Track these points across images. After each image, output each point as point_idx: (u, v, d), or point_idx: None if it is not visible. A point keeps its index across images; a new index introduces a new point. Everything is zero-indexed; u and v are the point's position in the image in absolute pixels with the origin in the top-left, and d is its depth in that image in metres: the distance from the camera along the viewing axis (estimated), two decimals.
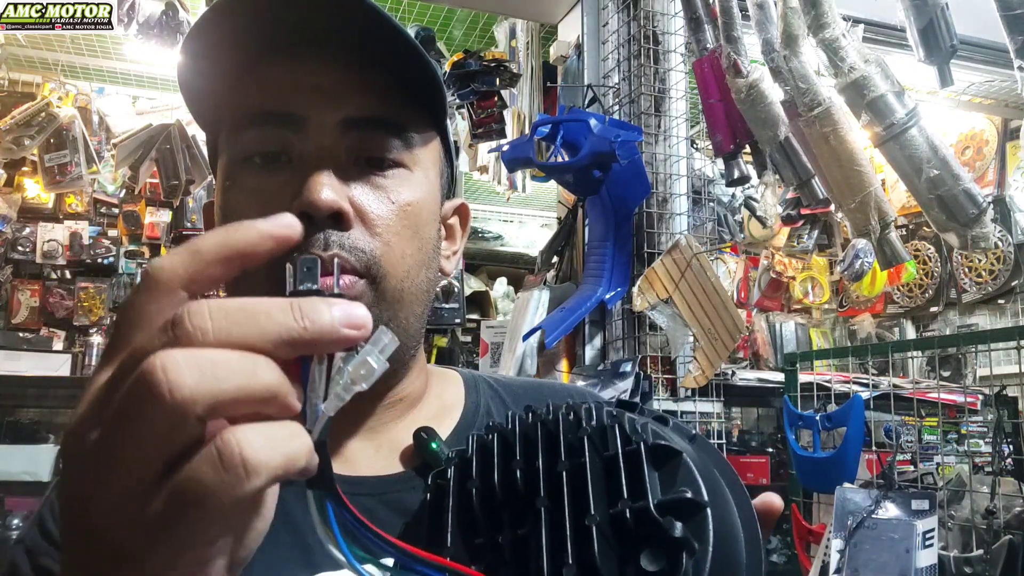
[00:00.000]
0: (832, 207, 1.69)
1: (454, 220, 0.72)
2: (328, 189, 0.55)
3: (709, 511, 0.38)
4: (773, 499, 0.46)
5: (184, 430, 0.30)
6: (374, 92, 0.59)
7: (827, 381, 1.75)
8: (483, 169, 3.42)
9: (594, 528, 0.38)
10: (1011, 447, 1.57)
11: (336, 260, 0.55)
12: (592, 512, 0.39)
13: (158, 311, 0.32)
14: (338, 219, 0.55)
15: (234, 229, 0.34)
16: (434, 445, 0.61)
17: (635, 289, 1.73)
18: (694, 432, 0.46)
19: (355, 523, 0.36)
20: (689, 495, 0.38)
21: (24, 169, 3.83)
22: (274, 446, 0.30)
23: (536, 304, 1.94)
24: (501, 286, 4.25)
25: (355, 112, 0.58)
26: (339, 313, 0.33)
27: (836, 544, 1.38)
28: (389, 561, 0.38)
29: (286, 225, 0.35)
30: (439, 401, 0.69)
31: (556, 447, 0.43)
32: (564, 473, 0.41)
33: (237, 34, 0.57)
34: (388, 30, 0.56)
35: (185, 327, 0.31)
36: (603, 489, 0.40)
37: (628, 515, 0.38)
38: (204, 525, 0.31)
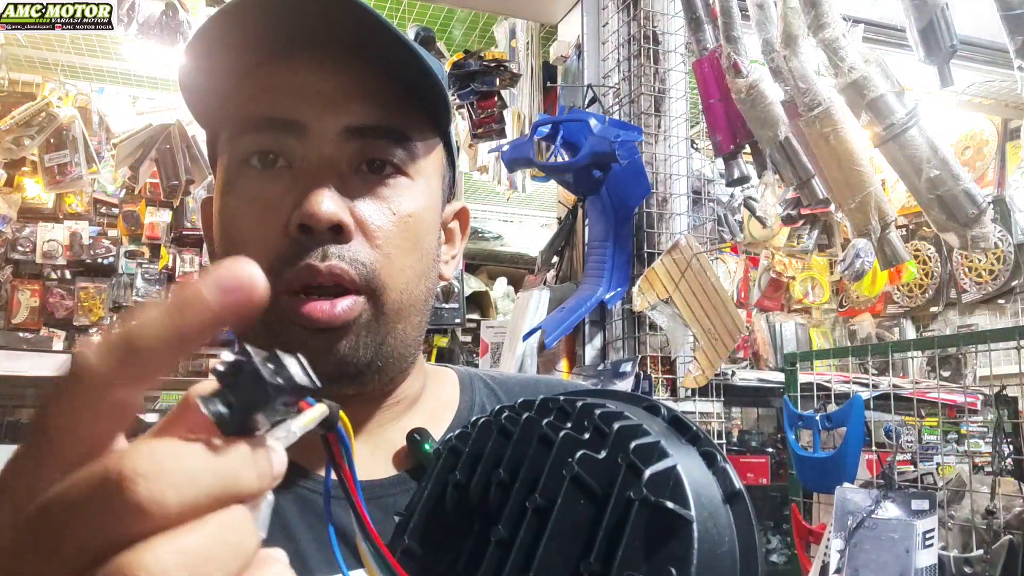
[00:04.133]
0: (832, 207, 1.69)
1: (454, 224, 0.71)
2: (329, 201, 0.54)
3: None
4: None
5: None
6: (376, 99, 0.58)
7: (827, 381, 1.75)
8: (483, 169, 3.42)
9: None
10: (1011, 447, 1.57)
11: (333, 271, 0.55)
12: (535, 567, 0.34)
13: (88, 425, 0.27)
14: (338, 231, 0.55)
15: (183, 306, 0.26)
16: (427, 446, 0.61)
17: (635, 289, 1.73)
18: (733, 483, 0.38)
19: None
20: None
21: (24, 169, 3.83)
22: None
23: (536, 304, 1.94)
24: (501, 286, 4.25)
25: (357, 120, 0.57)
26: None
27: (836, 544, 1.38)
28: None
29: (248, 278, 0.27)
30: (435, 401, 0.69)
31: (540, 468, 0.38)
32: (532, 511, 0.36)
33: (240, 37, 0.57)
34: (390, 37, 0.56)
35: (146, 504, 0.24)
36: (576, 534, 0.35)
37: None
38: None
